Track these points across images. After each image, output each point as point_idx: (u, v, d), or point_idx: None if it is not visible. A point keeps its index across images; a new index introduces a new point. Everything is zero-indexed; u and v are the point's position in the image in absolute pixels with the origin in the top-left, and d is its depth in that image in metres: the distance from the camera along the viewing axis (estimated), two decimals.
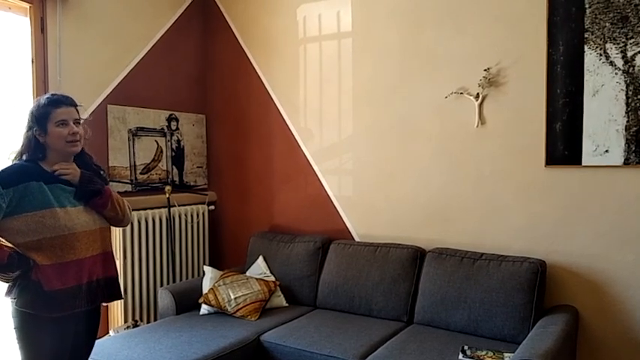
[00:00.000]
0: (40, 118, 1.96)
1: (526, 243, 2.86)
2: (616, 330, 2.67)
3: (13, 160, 1.98)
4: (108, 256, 2.09)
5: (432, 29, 3.09)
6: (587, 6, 2.64)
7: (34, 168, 1.94)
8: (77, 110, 2.06)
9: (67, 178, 1.98)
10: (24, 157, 1.97)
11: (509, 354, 2.41)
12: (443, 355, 2.45)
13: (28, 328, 1.88)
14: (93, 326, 2.15)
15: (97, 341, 2.21)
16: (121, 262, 3.30)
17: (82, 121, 2.07)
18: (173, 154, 3.84)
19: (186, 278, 3.76)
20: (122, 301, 3.29)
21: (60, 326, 1.91)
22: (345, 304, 3.14)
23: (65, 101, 2.01)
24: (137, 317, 3.39)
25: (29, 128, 1.97)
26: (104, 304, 2.14)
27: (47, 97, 2.00)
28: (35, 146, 1.96)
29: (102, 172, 2.17)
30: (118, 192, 3.31)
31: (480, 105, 2.95)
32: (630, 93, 2.57)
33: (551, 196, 2.79)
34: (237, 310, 3.05)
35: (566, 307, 2.72)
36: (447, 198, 3.10)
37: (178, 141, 3.88)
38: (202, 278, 3.35)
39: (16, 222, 1.84)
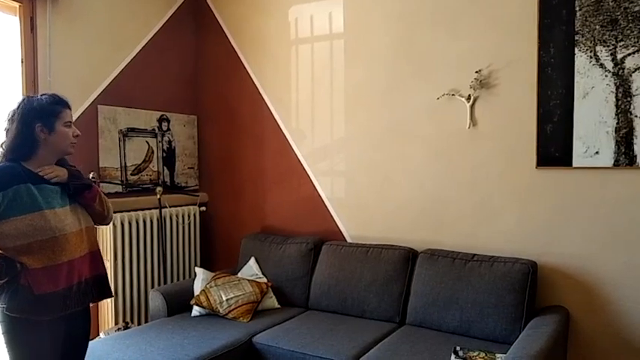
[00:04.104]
0: (48, 115, 1.92)
1: (517, 244, 2.87)
2: (606, 330, 2.69)
3: None
4: (95, 255, 2.07)
5: (424, 31, 3.10)
6: (577, 9, 2.67)
7: (20, 168, 1.88)
8: None
9: (56, 180, 1.94)
10: (8, 156, 1.90)
11: (501, 355, 2.42)
12: (435, 356, 2.46)
13: (16, 332, 1.84)
14: (85, 327, 2.12)
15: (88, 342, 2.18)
16: (112, 264, 3.28)
17: None
18: (164, 154, 3.82)
19: (178, 280, 3.74)
20: (113, 302, 3.27)
21: (50, 329, 1.89)
22: (337, 306, 3.13)
23: (69, 104, 2.02)
24: (128, 319, 3.36)
25: (29, 123, 1.89)
26: (92, 303, 2.11)
27: (50, 96, 1.96)
28: (29, 143, 1.90)
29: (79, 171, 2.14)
30: (109, 193, 3.32)
31: (472, 106, 2.96)
32: (620, 95, 2.59)
33: (542, 197, 2.81)
34: (229, 312, 3.03)
35: (557, 307, 2.74)
36: (439, 199, 3.11)
37: (169, 142, 3.86)
38: (194, 280, 3.33)
39: (5, 227, 1.81)
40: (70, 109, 2.01)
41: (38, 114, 1.91)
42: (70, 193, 1.98)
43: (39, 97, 1.96)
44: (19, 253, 1.82)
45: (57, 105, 1.95)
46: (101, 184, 3.30)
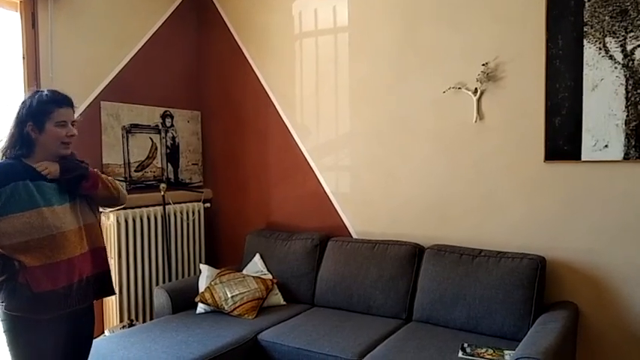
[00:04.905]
0: (38, 114, 1.89)
1: (525, 239, 2.84)
2: (616, 326, 2.65)
3: None
4: (98, 252, 2.03)
5: (430, 23, 3.06)
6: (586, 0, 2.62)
7: (19, 166, 1.87)
8: (74, 111, 2.01)
9: (50, 177, 1.91)
10: (8, 154, 1.90)
11: (509, 351, 2.39)
12: (442, 352, 2.43)
13: (17, 331, 1.83)
14: (89, 325, 2.10)
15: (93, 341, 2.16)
16: (116, 261, 3.26)
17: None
18: (168, 151, 3.79)
19: (182, 277, 3.72)
20: (117, 300, 3.26)
21: (51, 327, 1.87)
22: (343, 302, 3.11)
23: (67, 102, 1.97)
24: (133, 316, 3.35)
25: (22, 122, 1.88)
26: (95, 301, 2.09)
27: (48, 94, 1.93)
28: (24, 142, 1.89)
29: (87, 166, 2.09)
30: None
31: (479, 100, 2.92)
32: (630, 87, 2.54)
33: (550, 191, 2.77)
34: (234, 309, 3.01)
35: (566, 303, 2.70)
36: (446, 194, 3.07)
37: (173, 138, 3.83)
38: (198, 277, 3.31)
39: (2, 224, 1.79)
40: (67, 107, 1.96)
41: (30, 113, 1.89)
42: (66, 188, 1.94)
43: (40, 93, 1.94)
44: (17, 251, 1.80)
45: (50, 104, 1.91)
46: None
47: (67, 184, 1.93)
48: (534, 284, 2.61)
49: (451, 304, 2.76)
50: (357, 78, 3.34)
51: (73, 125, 1.97)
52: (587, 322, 2.71)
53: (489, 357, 2.37)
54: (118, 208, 2.19)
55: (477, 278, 2.73)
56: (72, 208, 1.95)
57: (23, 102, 1.92)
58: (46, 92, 1.94)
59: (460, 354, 2.40)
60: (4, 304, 1.82)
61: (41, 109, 1.90)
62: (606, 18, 2.58)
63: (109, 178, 2.09)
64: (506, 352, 2.40)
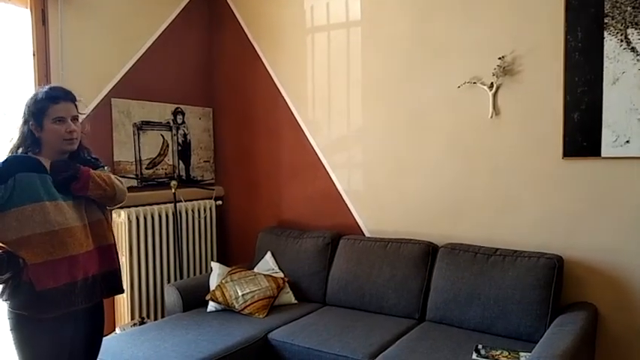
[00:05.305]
0: (36, 113, 1.89)
1: (542, 238, 2.76)
2: (636, 328, 2.57)
3: (8, 154, 1.91)
4: (105, 250, 2.00)
5: (444, 16, 2.99)
6: None
7: (26, 159, 1.86)
8: (76, 106, 1.98)
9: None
10: (19, 151, 1.91)
11: (525, 353, 2.32)
12: (456, 354, 2.37)
13: (23, 329, 1.82)
14: (97, 324, 2.09)
15: (103, 339, 2.15)
16: (127, 258, 3.25)
17: (80, 117, 2.00)
18: (179, 148, 3.78)
19: (194, 275, 3.70)
20: (128, 297, 3.25)
21: (57, 326, 1.85)
22: (355, 301, 3.06)
23: (64, 97, 1.94)
24: (144, 314, 3.35)
25: (25, 122, 1.90)
26: (104, 299, 2.06)
27: (45, 91, 1.93)
28: (31, 140, 1.90)
29: (100, 163, 2.08)
30: None
31: (495, 95, 2.84)
32: None
33: (568, 189, 2.69)
34: (245, 307, 2.99)
35: (584, 304, 2.62)
36: (460, 191, 3.00)
37: (185, 135, 3.81)
38: (209, 275, 3.29)
39: (6, 218, 1.78)
40: (65, 102, 1.93)
41: (30, 111, 1.90)
42: (57, 189, 1.89)
43: (38, 91, 1.94)
44: (19, 247, 1.78)
45: (44, 101, 1.90)
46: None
47: (56, 185, 1.89)
48: (551, 284, 2.54)
49: (465, 304, 2.70)
50: (369, 73, 3.29)
51: (75, 121, 1.95)
52: (606, 324, 2.63)
53: (504, 359, 2.30)
54: (118, 205, 2.12)
55: (492, 278, 2.66)
56: (77, 205, 1.93)
57: (26, 101, 1.93)
58: (45, 89, 1.93)
59: (474, 356, 2.34)
60: (8, 302, 1.81)
61: (37, 107, 1.89)
62: (628, 8, 2.49)
63: (105, 175, 2.01)
64: (521, 354, 2.34)
